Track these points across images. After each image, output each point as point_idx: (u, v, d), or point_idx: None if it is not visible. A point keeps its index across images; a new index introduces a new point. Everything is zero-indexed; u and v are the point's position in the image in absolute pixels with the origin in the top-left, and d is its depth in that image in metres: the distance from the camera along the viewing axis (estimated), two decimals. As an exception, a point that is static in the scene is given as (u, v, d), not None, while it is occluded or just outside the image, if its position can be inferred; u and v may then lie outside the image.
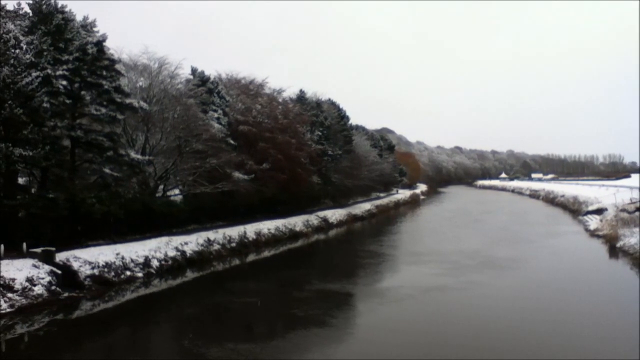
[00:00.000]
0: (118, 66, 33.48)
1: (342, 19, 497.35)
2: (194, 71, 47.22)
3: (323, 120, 65.90)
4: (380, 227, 61.19)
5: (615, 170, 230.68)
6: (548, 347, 17.49)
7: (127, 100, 32.80)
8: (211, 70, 52.43)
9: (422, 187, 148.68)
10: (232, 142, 43.36)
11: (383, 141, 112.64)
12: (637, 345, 17.16)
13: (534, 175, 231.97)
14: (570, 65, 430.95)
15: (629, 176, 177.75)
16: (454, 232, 52.46)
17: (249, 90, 53.85)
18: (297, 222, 49.61)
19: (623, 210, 52.52)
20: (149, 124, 37.58)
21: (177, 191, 42.45)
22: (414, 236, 51.26)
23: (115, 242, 30.24)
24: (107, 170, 31.54)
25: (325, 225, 54.96)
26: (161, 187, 40.06)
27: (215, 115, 44.11)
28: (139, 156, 34.41)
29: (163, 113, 38.21)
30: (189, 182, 40.06)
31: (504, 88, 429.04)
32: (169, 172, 39.23)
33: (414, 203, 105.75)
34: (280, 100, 58.96)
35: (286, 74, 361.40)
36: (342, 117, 76.10)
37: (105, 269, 26.25)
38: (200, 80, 45.35)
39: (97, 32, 33.10)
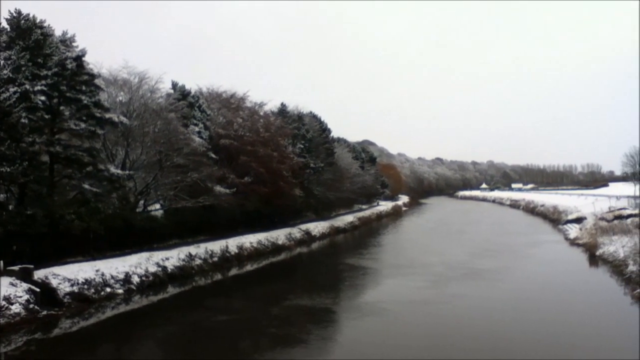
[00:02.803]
0: (98, 81, 33.23)
1: (321, 29, 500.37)
2: (174, 85, 47.13)
3: (305, 133, 66.01)
4: (363, 239, 61.24)
5: (593, 180, 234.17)
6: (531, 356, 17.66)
7: (107, 115, 32.55)
8: (192, 84, 52.22)
9: (404, 199, 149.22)
10: (213, 155, 43.20)
11: (365, 153, 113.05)
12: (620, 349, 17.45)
13: (514, 186, 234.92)
14: (546, 76, 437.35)
15: (607, 185, 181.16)
16: (436, 244, 52.77)
17: (230, 103, 53.83)
18: (279, 235, 49.50)
19: (602, 218, 53.37)
20: (129, 139, 37.34)
21: (157, 206, 42.10)
22: (396, 248, 51.40)
23: (95, 259, 29.83)
24: (86, 186, 31.18)
25: (308, 238, 54.90)
26: (142, 202, 39.70)
27: (196, 129, 43.98)
28: (119, 171, 34.11)
29: (143, 127, 37.97)
30: (170, 197, 39.81)
31: (483, 99, 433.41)
32: (150, 186, 38.94)
33: (396, 215, 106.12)
34: (261, 113, 58.91)
35: (265, 85, 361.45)
36: (323, 129, 76.30)
37: (85, 286, 25.90)
38: (181, 94, 45.26)
39: (77, 46, 32.86)
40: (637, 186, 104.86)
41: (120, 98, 39.27)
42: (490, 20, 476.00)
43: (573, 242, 48.38)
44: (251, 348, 20.20)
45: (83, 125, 30.94)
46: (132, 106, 38.48)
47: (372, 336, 21.03)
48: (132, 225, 34.87)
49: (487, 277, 32.81)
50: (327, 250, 51.93)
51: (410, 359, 17.91)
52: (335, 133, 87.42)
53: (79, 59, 30.98)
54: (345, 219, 73.89)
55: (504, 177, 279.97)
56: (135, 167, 37.96)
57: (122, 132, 36.12)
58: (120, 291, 27.59)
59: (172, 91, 45.88)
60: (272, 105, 66.52)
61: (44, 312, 22.85)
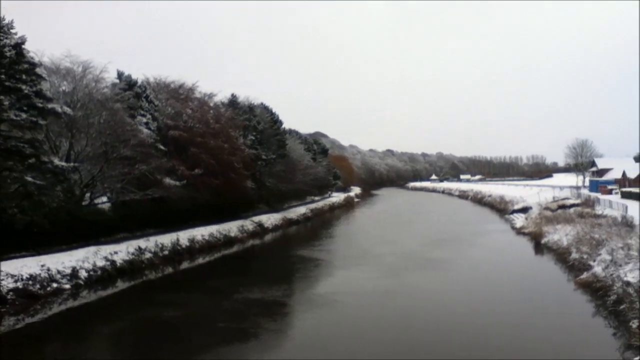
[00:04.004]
0: (39, 70, 31.96)
1: (273, 19, 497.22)
2: (120, 75, 45.85)
3: (256, 124, 65.47)
4: (316, 230, 61.39)
5: (538, 171, 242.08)
6: (477, 345, 18.05)
7: (49, 105, 31.35)
8: (139, 74, 50.67)
9: (356, 190, 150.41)
10: (162, 147, 42.31)
11: (317, 145, 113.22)
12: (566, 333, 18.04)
13: (462, 177, 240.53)
14: (493, 71, 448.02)
15: (551, 176, 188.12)
16: (387, 234, 53.37)
17: (179, 94, 52.75)
18: (231, 227, 49.04)
19: (546, 208, 55.24)
20: (74, 130, 36.10)
21: (105, 199, 40.92)
22: (349, 239, 51.71)
23: (40, 254, 28.80)
24: (29, 179, 29.91)
25: (261, 230, 54.60)
26: (88, 195, 38.52)
27: (144, 120, 42.95)
28: (63, 163, 32.97)
29: (88, 118, 36.79)
30: (117, 189, 38.77)
31: (433, 93, 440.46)
32: (96, 179, 37.79)
33: (348, 206, 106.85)
34: (211, 104, 58.05)
35: (217, 76, 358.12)
36: (275, 121, 75.84)
37: (30, 282, 25.02)
38: (127, 84, 44.05)
39: (16, 34, 31.40)
40: (579, 177, 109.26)
41: (64, 88, 37.91)
42: (439, 15, 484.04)
43: (519, 231, 49.81)
44: (201, 344, 19.82)
45: (24, 115, 29.65)
46: (76, 96, 37.22)
47: (323, 328, 21.10)
48: (78, 218, 33.89)
49: (437, 267, 33.42)
50: (279, 242, 51.80)
51: (361, 351, 18.01)
52: (287, 125, 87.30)
53: (18, 46, 29.68)
54: (298, 211, 73.88)
55: (452, 168, 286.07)
56: (81, 159, 36.81)
57: (65, 123, 34.89)
58: (68, 286, 26.78)
59: (117, 81, 44.56)
60: (222, 96, 65.50)
61: (-15, 310, 21.97)
